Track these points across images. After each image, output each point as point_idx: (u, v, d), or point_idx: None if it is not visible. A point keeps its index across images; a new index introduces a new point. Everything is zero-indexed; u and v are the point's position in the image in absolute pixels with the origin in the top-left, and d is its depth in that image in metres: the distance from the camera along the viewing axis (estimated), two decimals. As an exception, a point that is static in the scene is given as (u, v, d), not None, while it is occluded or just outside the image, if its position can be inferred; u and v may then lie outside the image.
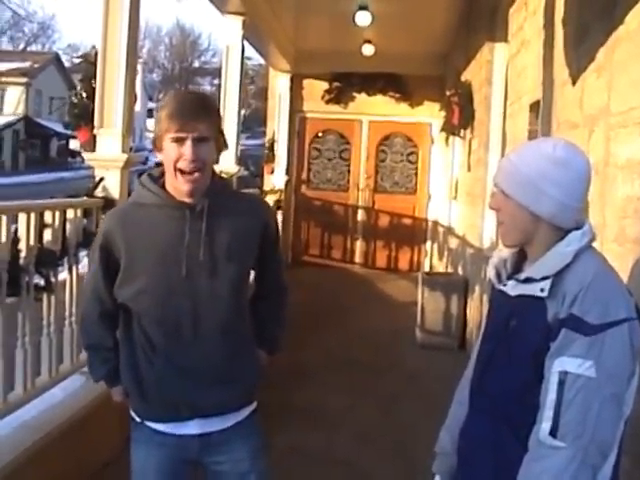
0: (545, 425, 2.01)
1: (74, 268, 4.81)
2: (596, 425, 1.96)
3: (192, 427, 2.66)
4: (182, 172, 2.51)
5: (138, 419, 2.72)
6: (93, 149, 5.25)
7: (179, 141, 2.49)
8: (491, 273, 2.37)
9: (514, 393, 2.17)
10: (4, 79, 48.58)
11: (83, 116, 5.53)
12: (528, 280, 2.16)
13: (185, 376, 2.62)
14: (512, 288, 2.23)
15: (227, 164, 8.50)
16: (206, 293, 2.60)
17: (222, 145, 2.67)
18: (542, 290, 2.09)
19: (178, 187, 2.54)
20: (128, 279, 2.58)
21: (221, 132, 2.65)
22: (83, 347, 2.87)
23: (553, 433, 1.99)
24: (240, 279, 2.71)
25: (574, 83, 4.24)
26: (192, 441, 2.68)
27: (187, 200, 2.57)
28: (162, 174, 2.63)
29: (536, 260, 2.18)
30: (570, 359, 1.99)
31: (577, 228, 2.14)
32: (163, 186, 2.61)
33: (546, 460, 1.99)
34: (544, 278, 2.10)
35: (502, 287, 2.30)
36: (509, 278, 2.30)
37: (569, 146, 2.19)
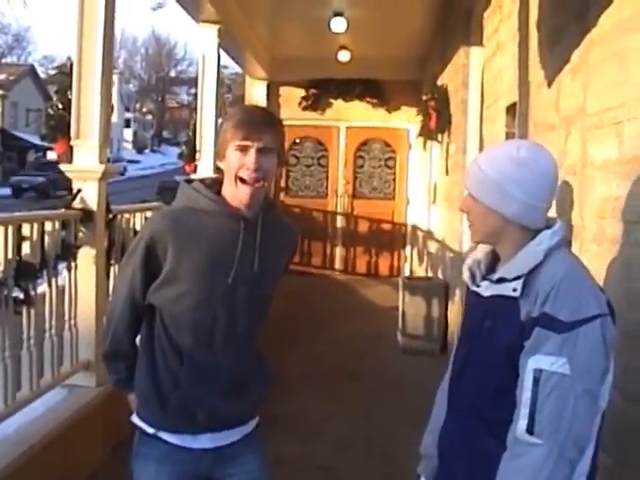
0: (522, 422, 2.03)
1: (53, 280, 4.79)
2: (572, 421, 1.99)
3: (206, 441, 2.64)
4: (243, 181, 2.52)
5: (151, 431, 2.65)
6: (70, 160, 5.22)
7: (243, 150, 2.50)
8: (465, 275, 2.41)
9: (490, 392, 2.20)
10: (-21, 92, 48.36)
11: (60, 128, 5.50)
12: (501, 280, 2.20)
13: (210, 384, 2.60)
14: (485, 289, 2.27)
15: (205, 172, 8.49)
16: (245, 303, 2.61)
17: (282, 161, 2.69)
18: (514, 290, 2.12)
19: (237, 196, 2.54)
20: (170, 281, 2.54)
21: (283, 148, 2.66)
22: (104, 353, 2.79)
23: (530, 430, 2.02)
24: (271, 293, 2.79)
25: (550, 85, 4.26)
26: (205, 455, 2.65)
27: (243, 210, 2.57)
28: (214, 183, 2.65)
29: (508, 260, 2.21)
30: (544, 357, 2.02)
31: (548, 227, 2.18)
32: (217, 194, 2.61)
33: (524, 457, 2.02)
34: (516, 278, 2.13)
35: (476, 288, 2.34)
36: (483, 279, 2.34)
37: (533, 147, 2.25)
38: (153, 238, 2.54)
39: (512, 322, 2.11)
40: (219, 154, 2.59)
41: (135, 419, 2.71)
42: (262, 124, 2.53)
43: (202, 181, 2.66)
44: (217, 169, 2.68)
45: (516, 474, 2.03)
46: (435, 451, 2.47)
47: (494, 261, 2.35)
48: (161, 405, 2.60)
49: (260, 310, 2.75)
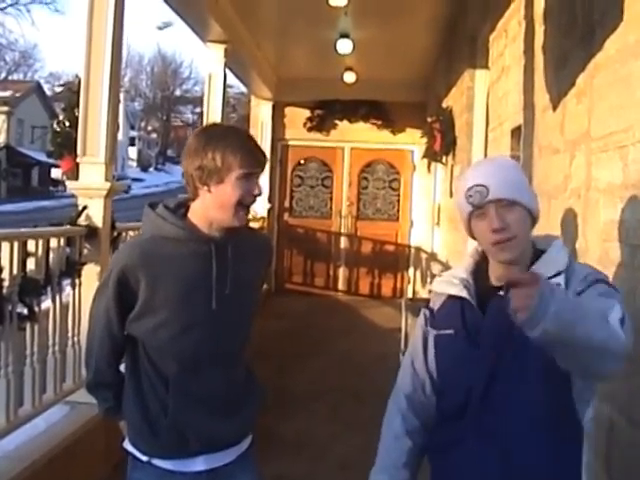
0: (615, 314, 1.91)
1: (57, 297, 4.79)
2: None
3: (200, 464, 2.61)
4: (243, 206, 2.50)
5: (144, 458, 2.62)
6: (76, 177, 5.24)
7: (248, 177, 2.48)
8: (463, 292, 2.29)
9: (538, 404, 2.12)
10: (-15, 108, 48.55)
11: (66, 145, 5.54)
12: None
13: (199, 408, 2.59)
14: None
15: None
16: (228, 325, 2.60)
17: None
18: (559, 285, 2.07)
19: (231, 222, 2.51)
20: (146, 313, 2.51)
21: None
22: (88, 384, 2.75)
23: (622, 322, 1.91)
24: (253, 309, 2.79)
25: (555, 108, 4.28)
26: (200, 478, 2.62)
27: (213, 233, 2.54)
28: (179, 206, 2.61)
29: (518, 264, 2.18)
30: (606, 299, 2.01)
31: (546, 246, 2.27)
32: (183, 217, 2.57)
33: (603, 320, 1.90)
34: (557, 274, 2.14)
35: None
36: (484, 291, 2.26)
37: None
38: (124, 272, 2.49)
39: None
40: (211, 179, 2.46)
41: (128, 446, 2.69)
42: (260, 150, 2.55)
43: (166, 205, 2.60)
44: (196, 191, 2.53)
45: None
46: None
47: (475, 278, 2.32)
48: (152, 433, 2.58)
49: (244, 328, 2.74)
